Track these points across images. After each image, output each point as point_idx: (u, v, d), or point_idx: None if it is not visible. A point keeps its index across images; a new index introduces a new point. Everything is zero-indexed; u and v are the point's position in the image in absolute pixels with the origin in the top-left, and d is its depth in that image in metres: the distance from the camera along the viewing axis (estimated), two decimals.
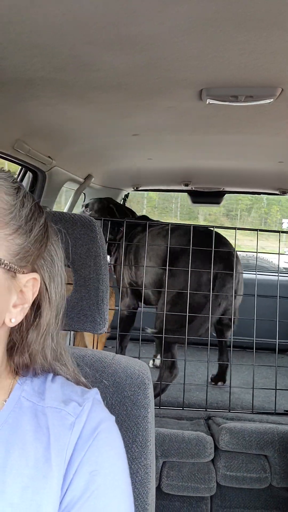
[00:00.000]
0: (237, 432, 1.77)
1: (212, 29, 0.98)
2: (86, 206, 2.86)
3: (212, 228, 2.27)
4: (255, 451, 1.76)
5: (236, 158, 2.41)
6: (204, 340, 2.28)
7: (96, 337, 2.11)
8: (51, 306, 0.66)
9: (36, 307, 0.66)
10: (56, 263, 0.66)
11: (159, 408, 2.03)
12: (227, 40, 1.03)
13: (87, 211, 2.80)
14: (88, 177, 2.77)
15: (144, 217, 2.86)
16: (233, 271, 2.20)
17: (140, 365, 0.86)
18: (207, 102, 1.40)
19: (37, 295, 0.64)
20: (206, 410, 2.05)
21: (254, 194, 3.57)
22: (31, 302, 0.63)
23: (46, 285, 0.65)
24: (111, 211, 2.73)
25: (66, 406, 0.62)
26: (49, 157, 2.11)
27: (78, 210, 3.16)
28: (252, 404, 2.05)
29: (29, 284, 0.62)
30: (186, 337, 2.06)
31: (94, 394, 0.67)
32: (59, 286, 0.67)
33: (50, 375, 0.68)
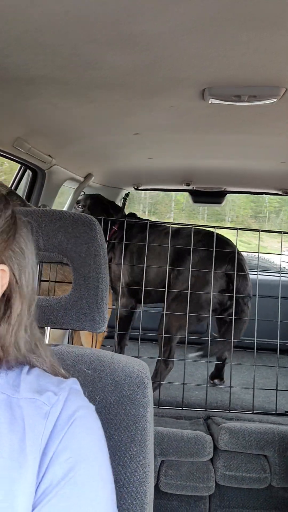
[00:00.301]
0: (237, 432, 1.77)
1: (215, 28, 0.98)
2: (78, 202, 2.84)
3: (213, 229, 2.26)
4: (255, 451, 1.76)
5: (238, 158, 2.41)
6: (204, 339, 2.28)
7: (94, 336, 2.11)
8: (22, 298, 0.66)
9: (6, 299, 0.66)
10: (26, 255, 0.67)
11: (158, 407, 2.03)
12: (230, 39, 1.03)
13: (79, 207, 2.77)
14: (88, 176, 2.77)
15: (132, 214, 2.87)
16: (241, 271, 2.24)
17: (139, 364, 0.86)
18: (210, 102, 1.39)
19: (7, 287, 0.64)
20: (205, 410, 2.05)
21: (256, 194, 3.57)
22: (0, 294, 0.63)
23: (16, 276, 0.65)
24: (104, 208, 2.71)
25: (41, 396, 0.62)
26: (49, 155, 2.11)
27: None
28: (253, 404, 2.05)
29: None
30: (186, 336, 2.05)
31: (72, 383, 0.67)
32: (30, 278, 0.67)
33: (26, 367, 0.67)
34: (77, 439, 0.60)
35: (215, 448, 1.79)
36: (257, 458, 1.77)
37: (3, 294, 0.64)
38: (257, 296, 2.06)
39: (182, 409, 2.03)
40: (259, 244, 2.05)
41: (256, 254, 2.20)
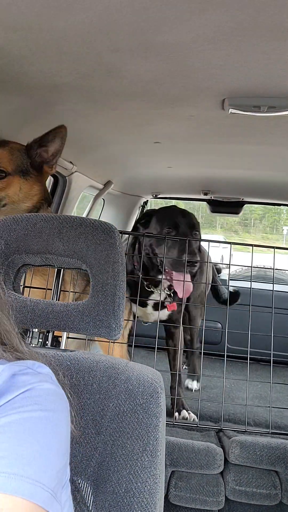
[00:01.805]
0: (248, 446, 1.74)
1: (238, 38, 0.98)
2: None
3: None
4: (266, 466, 1.72)
5: (256, 169, 2.40)
6: (219, 351, 2.26)
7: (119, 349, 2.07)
8: None
9: None
10: None
11: (173, 424, 1.99)
12: (251, 50, 1.03)
13: None
14: (107, 183, 2.79)
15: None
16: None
17: (153, 374, 0.85)
18: (229, 112, 1.39)
19: None
20: (221, 429, 1.99)
21: (274, 205, 3.54)
22: None
23: None
24: None
25: None
26: (70, 162, 2.13)
27: (96, 215, 3.18)
28: (270, 424, 1.99)
29: None
30: (203, 349, 2.02)
31: (30, 364, 0.65)
32: None
33: None
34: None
35: (226, 461, 1.76)
36: (268, 474, 1.74)
37: None
38: (272, 310, 2.03)
39: (197, 426, 1.99)
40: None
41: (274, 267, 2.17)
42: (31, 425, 0.56)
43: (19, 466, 0.52)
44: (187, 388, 2.51)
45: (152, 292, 2.24)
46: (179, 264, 1.99)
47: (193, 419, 2.12)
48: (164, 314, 2.34)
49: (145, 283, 2.18)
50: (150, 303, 2.29)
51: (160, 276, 2.14)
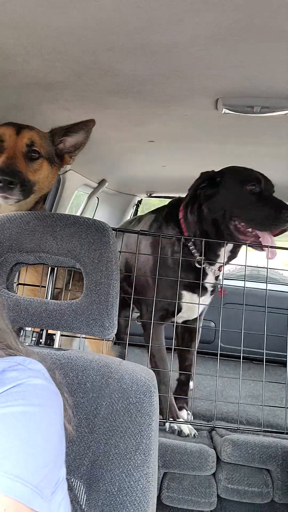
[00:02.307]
0: (240, 444, 1.75)
1: (232, 39, 0.99)
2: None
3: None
4: (258, 465, 1.73)
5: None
6: (212, 350, 2.26)
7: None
8: None
9: None
10: None
11: (171, 422, 1.99)
12: (246, 50, 1.04)
13: None
14: (102, 182, 2.79)
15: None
16: None
17: (147, 373, 0.86)
18: (223, 112, 1.40)
19: None
20: (214, 427, 2.00)
21: None
22: None
23: None
24: None
25: None
26: None
27: (90, 214, 3.18)
28: (262, 422, 2.00)
29: None
30: (196, 349, 2.01)
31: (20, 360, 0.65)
32: None
33: None
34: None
35: (218, 460, 1.77)
36: (260, 472, 1.75)
37: None
38: (265, 309, 2.04)
39: (191, 423, 1.99)
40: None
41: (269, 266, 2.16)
42: (13, 420, 0.55)
43: None
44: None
45: (202, 274, 1.91)
46: (271, 219, 1.73)
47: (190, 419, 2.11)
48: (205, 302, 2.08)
49: (199, 258, 1.87)
50: (208, 287, 1.99)
51: (220, 251, 1.87)
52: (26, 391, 0.59)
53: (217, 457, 1.76)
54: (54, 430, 0.61)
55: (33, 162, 1.34)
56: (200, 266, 1.90)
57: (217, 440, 1.85)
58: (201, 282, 1.91)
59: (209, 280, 1.98)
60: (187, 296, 1.99)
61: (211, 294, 2.07)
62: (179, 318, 2.12)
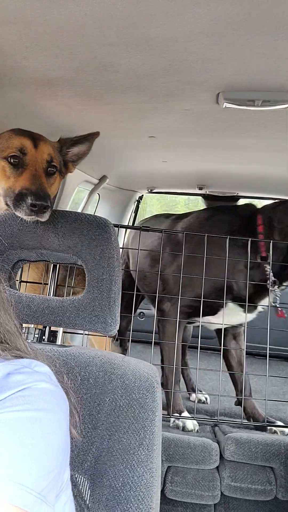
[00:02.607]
0: (243, 443, 1.74)
1: (232, 32, 0.98)
2: None
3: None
4: (261, 463, 1.73)
5: (251, 163, 2.39)
6: (214, 345, 2.26)
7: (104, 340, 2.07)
8: None
9: None
10: None
11: (176, 417, 1.99)
12: (246, 44, 1.03)
13: None
14: (103, 178, 2.78)
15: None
16: None
17: (150, 368, 0.86)
18: (224, 106, 1.39)
19: None
20: (218, 421, 2.01)
21: (269, 199, 3.54)
22: None
23: None
24: None
25: None
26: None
27: (91, 210, 3.17)
28: (265, 416, 2.01)
29: None
30: (199, 343, 2.01)
31: (26, 363, 0.64)
32: None
33: None
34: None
35: (221, 457, 1.77)
36: (263, 470, 1.75)
37: None
38: (269, 304, 2.03)
39: (193, 418, 2.00)
40: (271, 255, 2.00)
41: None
42: (17, 425, 0.54)
43: (1, 467, 0.50)
44: (199, 400, 2.38)
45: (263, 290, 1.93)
46: None
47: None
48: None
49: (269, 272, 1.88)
50: (260, 308, 2.03)
51: None
52: (32, 396, 0.58)
53: (220, 455, 1.77)
54: (60, 436, 0.60)
55: (51, 177, 1.31)
56: (271, 288, 1.91)
57: (220, 437, 1.86)
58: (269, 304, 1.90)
59: (266, 301, 1.99)
60: (231, 306, 2.00)
61: (257, 313, 2.07)
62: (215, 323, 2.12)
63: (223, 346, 2.19)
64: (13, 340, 0.68)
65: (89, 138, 1.44)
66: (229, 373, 2.20)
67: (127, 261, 2.62)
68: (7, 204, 1.18)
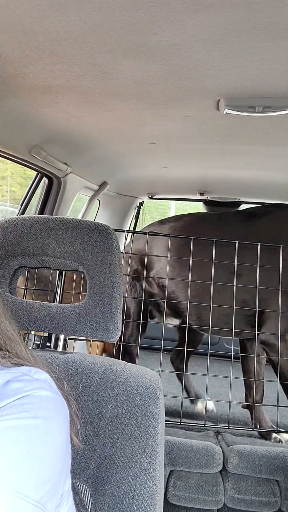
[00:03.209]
0: (247, 456, 1.72)
1: (233, 38, 0.98)
2: None
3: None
4: (265, 476, 1.70)
5: (252, 169, 2.40)
6: (217, 351, 2.25)
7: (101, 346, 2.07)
8: None
9: None
10: None
11: (180, 423, 1.98)
12: (245, 50, 1.03)
13: None
14: (103, 184, 2.79)
15: None
16: None
17: (152, 375, 0.85)
18: (224, 112, 1.39)
19: None
20: (229, 427, 1.98)
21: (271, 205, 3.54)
22: None
23: None
24: None
25: None
26: (65, 163, 2.13)
27: (91, 217, 3.18)
28: (277, 423, 1.98)
29: None
30: (209, 349, 1.99)
31: (25, 371, 0.63)
32: None
33: None
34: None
35: (224, 467, 1.75)
36: (268, 482, 1.72)
37: None
38: (280, 309, 2.02)
39: (205, 425, 1.97)
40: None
41: None
42: (15, 433, 0.53)
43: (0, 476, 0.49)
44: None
45: None
46: None
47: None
48: None
49: None
50: None
51: None
52: (31, 403, 0.57)
53: (224, 467, 1.74)
54: (59, 443, 0.59)
55: None
56: None
57: (223, 448, 1.83)
58: None
59: None
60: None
61: None
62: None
63: (243, 351, 2.18)
64: (13, 346, 0.67)
65: None
66: (244, 379, 2.18)
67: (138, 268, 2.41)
68: None
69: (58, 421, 0.60)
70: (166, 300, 2.09)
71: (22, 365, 0.65)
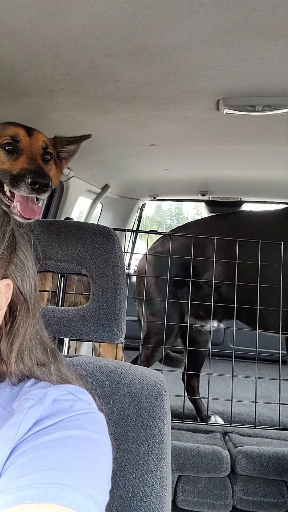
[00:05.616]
0: (255, 457, 1.71)
1: (231, 39, 0.98)
2: None
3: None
4: (273, 477, 1.70)
5: (253, 168, 2.40)
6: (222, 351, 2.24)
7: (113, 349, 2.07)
8: (27, 310, 0.65)
9: (11, 312, 0.65)
10: (27, 267, 0.66)
11: (182, 422, 1.97)
12: (245, 49, 1.03)
13: None
14: (105, 187, 2.79)
15: None
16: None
17: (157, 376, 0.85)
18: (224, 112, 1.39)
19: (11, 300, 0.64)
20: (231, 425, 1.98)
21: (273, 203, 3.54)
22: (5, 308, 0.62)
23: (20, 289, 0.65)
24: None
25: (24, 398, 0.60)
26: (67, 167, 2.13)
27: (95, 220, 3.18)
28: (279, 420, 1.97)
29: (2, 290, 0.62)
30: (210, 350, 1.99)
31: (71, 389, 0.64)
32: (32, 289, 0.67)
33: (32, 381, 0.66)
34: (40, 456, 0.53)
35: (232, 470, 1.75)
36: (276, 483, 1.71)
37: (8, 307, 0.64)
38: (281, 309, 2.01)
39: (207, 424, 1.97)
40: (282, 258, 1.99)
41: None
42: (77, 443, 0.54)
43: (70, 478, 0.49)
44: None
45: None
46: None
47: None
48: None
49: None
50: None
51: None
52: (81, 420, 0.59)
53: (232, 468, 1.74)
54: (109, 458, 0.60)
55: (47, 163, 1.36)
56: None
57: (230, 449, 1.82)
58: None
59: None
60: None
61: None
62: None
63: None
64: (56, 362, 0.68)
65: (81, 139, 1.49)
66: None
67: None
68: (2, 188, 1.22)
69: (105, 435, 0.61)
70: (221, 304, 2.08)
71: (65, 381, 0.66)
